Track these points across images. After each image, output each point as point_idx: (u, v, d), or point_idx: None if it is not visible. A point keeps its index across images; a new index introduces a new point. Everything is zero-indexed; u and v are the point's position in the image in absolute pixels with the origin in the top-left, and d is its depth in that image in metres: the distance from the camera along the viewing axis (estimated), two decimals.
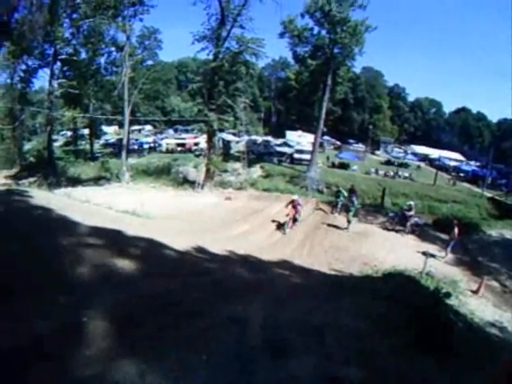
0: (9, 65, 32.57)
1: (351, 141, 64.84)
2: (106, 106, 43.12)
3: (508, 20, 74.27)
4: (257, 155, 38.58)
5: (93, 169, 35.07)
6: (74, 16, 31.77)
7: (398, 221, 20.45)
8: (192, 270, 7.26)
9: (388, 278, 9.69)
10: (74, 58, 33.50)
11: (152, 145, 47.57)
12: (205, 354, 3.26)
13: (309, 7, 29.50)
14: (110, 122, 51.52)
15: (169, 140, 49.59)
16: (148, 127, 66.35)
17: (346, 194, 21.87)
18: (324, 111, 32.53)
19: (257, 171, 33.24)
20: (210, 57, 27.93)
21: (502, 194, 33.22)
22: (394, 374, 3.76)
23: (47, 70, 32.88)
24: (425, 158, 56.15)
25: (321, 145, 42.41)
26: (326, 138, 55.33)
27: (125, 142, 33.76)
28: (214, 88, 27.45)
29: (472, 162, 54.94)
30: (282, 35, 31.39)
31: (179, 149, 44.49)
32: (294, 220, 18.11)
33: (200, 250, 9.49)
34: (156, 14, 47.72)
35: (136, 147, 45.28)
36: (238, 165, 32.77)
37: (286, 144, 45.32)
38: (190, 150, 43.01)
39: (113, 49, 37.38)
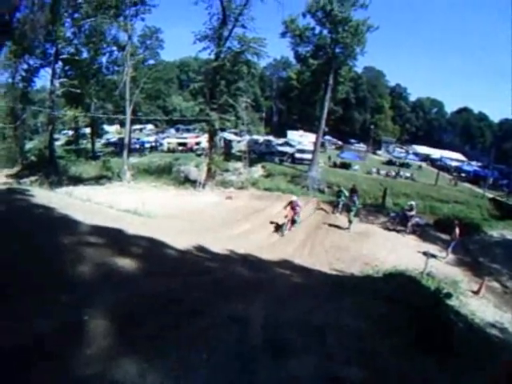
0: (10, 64, 32.58)
1: (353, 140, 64.73)
2: (107, 105, 43.10)
3: (508, 20, 74.06)
4: (258, 155, 38.58)
5: (94, 168, 35.08)
6: (76, 15, 31.82)
7: (399, 221, 20.43)
8: (193, 269, 7.26)
9: (389, 278, 9.68)
10: (76, 57, 33.50)
11: (153, 144, 47.56)
12: (205, 353, 3.26)
13: (310, 7, 29.51)
14: (111, 122, 51.47)
15: (170, 139, 49.53)
16: (149, 126, 66.34)
17: (347, 193, 21.85)
18: (325, 111, 32.55)
19: (258, 171, 33.25)
20: (212, 56, 27.97)
21: (504, 195, 33.15)
22: (395, 374, 3.76)
23: (49, 70, 33.00)
24: (426, 158, 56.03)
25: (322, 144, 42.44)
26: (327, 137, 55.28)
27: (126, 141, 33.83)
28: (216, 87, 27.48)
29: (473, 163, 54.84)
30: (283, 35, 31.43)
31: (180, 148, 44.45)
32: (293, 222, 17.73)
33: (201, 249, 9.50)
34: (158, 13, 47.93)
35: (137, 146, 45.33)
36: (239, 164, 32.80)
37: (287, 144, 45.28)
38: (191, 150, 43.00)
39: (114, 48, 37.48)
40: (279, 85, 79.34)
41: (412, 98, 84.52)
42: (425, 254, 15.67)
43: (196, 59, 66.85)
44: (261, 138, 47.78)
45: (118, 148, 41.40)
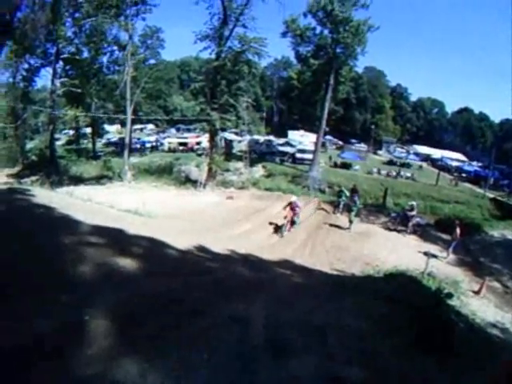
0: (11, 64, 32.71)
1: (353, 140, 64.75)
2: (108, 104, 43.08)
3: (508, 20, 73.99)
4: (259, 155, 38.57)
5: (95, 168, 35.09)
6: (77, 15, 31.90)
7: (400, 221, 20.43)
8: (193, 269, 7.26)
9: (390, 278, 9.67)
10: (77, 57, 33.59)
11: (154, 144, 47.57)
12: (206, 353, 3.26)
13: (311, 7, 29.52)
14: (112, 121, 51.57)
15: (171, 139, 49.54)
16: (150, 126, 66.32)
17: (347, 193, 21.84)
18: (326, 111, 32.55)
19: (259, 171, 33.25)
20: (213, 56, 28.01)
21: (504, 195, 33.12)
22: (396, 374, 3.75)
23: (49, 69, 33.12)
24: (427, 158, 56.01)
25: (323, 144, 42.43)
26: (328, 137, 55.26)
27: (127, 140, 33.88)
28: (217, 87, 27.50)
29: (474, 163, 54.85)
30: (284, 35, 31.47)
31: (181, 148, 44.47)
32: (292, 222, 17.54)
33: (201, 249, 9.49)
34: (158, 13, 47.68)
35: (138, 146, 45.32)
36: (240, 164, 32.82)
37: (288, 143, 45.28)
38: (192, 150, 43.02)
39: (115, 48, 37.56)
40: (280, 85, 79.30)
41: (413, 98, 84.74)
42: (425, 254, 15.65)
43: (197, 59, 66.82)
44: (261, 138, 47.84)
45: (119, 148, 41.41)
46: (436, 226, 22.08)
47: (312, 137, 43.93)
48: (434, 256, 15.88)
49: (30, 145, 41.07)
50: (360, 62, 47.54)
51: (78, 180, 30.01)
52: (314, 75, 34.31)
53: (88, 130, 47.35)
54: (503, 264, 16.42)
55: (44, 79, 37.93)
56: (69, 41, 32.82)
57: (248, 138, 40.18)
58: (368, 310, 5.60)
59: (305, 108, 54.64)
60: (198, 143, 43.18)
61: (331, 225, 19.66)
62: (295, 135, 53.03)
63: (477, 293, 12.79)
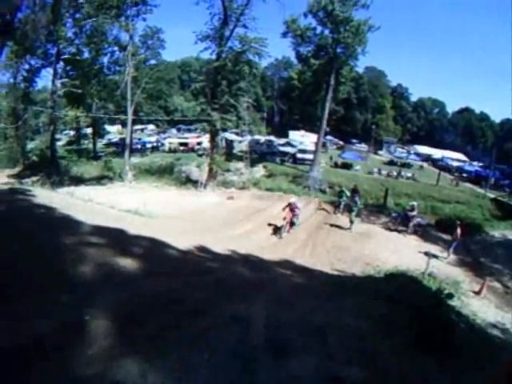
0: (12, 64, 32.73)
1: (354, 141, 64.70)
2: (108, 105, 43.12)
3: (508, 22, 74.13)
4: (259, 155, 38.51)
5: (95, 168, 35.11)
6: (77, 16, 31.84)
7: (401, 221, 20.42)
8: (194, 269, 7.27)
9: (390, 278, 9.67)
10: (77, 57, 33.55)
11: (155, 144, 47.54)
12: (207, 353, 3.27)
13: (312, 7, 29.50)
14: (112, 122, 51.54)
15: (172, 139, 49.51)
16: (151, 127, 66.33)
17: (348, 193, 21.83)
18: (327, 111, 32.50)
19: (259, 171, 33.24)
20: (213, 56, 28.03)
21: (505, 195, 33.03)
22: (396, 374, 3.76)
23: (50, 70, 33.05)
24: (428, 158, 55.94)
25: (324, 145, 42.41)
26: (328, 137, 55.20)
27: (128, 141, 33.86)
28: (217, 87, 27.50)
29: (475, 163, 54.72)
30: (284, 35, 31.44)
31: (182, 148, 44.45)
32: (292, 224, 17.34)
33: (202, 249, 9.50)
34: (159, 13, 47.87)
35: (139, 146, 45.27)
36: (240, 164, 32.80)
37: (288, 144, 45.26)
38: (192, 150, 43.01)
39: (116, 48, 37.46)
40: (280, 85, 79.29)
41: (413, 98, 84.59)
42: (426, 254, 15.64)
43: (197, 59, 66.92)
44: (262, 138, 47.79)
45: (120, 148, 41.37)
46: (437, 226, 22.05)
47: (313, 137, 43.89)
48: (435, 256, 15.87)
49: (30, 145, 41.05)
50: (360, 62, 47.62)
51: (78, 180, 30.03)
52: (314, 75, 34.29)
53: (89, 131, 47.39)
54: (504, 264, 16.39)
55: (45, 80, 38.00)
56: (69, 41, 32.82)
57: (249, 138, 40.15)
58: (368, 310, 5.60)
59: (305, 108, 54.58)
60: (199, 143, 43.17)
61: (332, 225, 19.65)
62: (296, 135, 53.03)
63: (477, 293, 12.78)
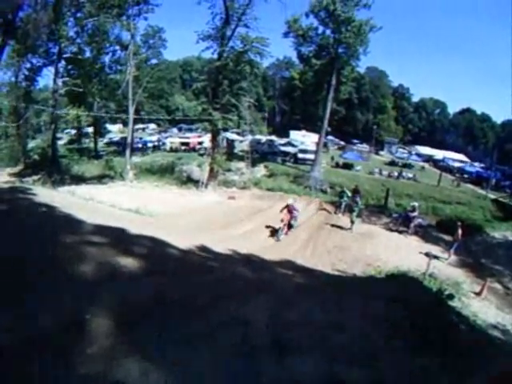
0: (13, 63, 32.75)
1: (355, 141, 64.77)
2: (110, 104, 43.21)
3: (508, 25, 74.21)
4: (261, 155, 38.59)
5: (97, 167, 35.17)
6: (79, 15, 31.98)
7: (402, 222, 20.44)
8: (195, 269, 7.25)
9: (391, 278, 9.67)
10: (79, 56, 33.67)
11: (156, 143, 47.67)
12: (208, 353, 3.26)
13: (313, 7, 29.59)
14: (114, 121, 51.71)
15: (173, 139, 49.64)
16: (152, 126, 66.44)
17: (349, 194, 21.86)
18: (328, 111, 32.57)
19: (260, 171, 33.31)
20: (215, 56, 28.13)
21: (506, 196, 33.03)
22: (396, 374, 3.75)
23: (52, 69, 33.19)
24: (429, 159, 56.00)
25: (325, 145, 42.44)
26: (329, 137, 55.27)
27: (129, 140, 33.94)
28: (219, 87, 27.54)
29: (476, 164, 54.78)
30: (286, 35, 31.57)
31: (183, 148, 44.58)
32: (290, 226, 17.18)
33: (203, 248, 9.49)
34: (160, 12, 47.67)
35: (140, 146, 45.39)
36: (241, 164, 32.86)
37: (289, 144, 45.32)
38: (193, 149, 43.11)
39: (117, 47, 37.76)
40: (282, 85, 79.38)
41: (415, 99, 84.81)
42: (427, 254, 15.65)
43: (199, 59, 67.08)
44: (263, 138, 47.87)
45: (121, 147, 41.50)
46: (438, 227, 22.08)
47: (314, 137, 43.91)
48: (436, 257, 15.88)
49: (31, 144, 41.03)
50: (362, 62, 47.77)
51: (79, 179, 30.07)
52: (315, 75, 34.37)
53: (90, 130, 47.44)
54: (505, 265, 16.41)
55: (46, 79, 37.94)
56: (71, 40, 32.88)
57: (250, 137, 40.16)
58: (369, 311, 5.59)
59: (307, 108, 54.69)
60: (200, 143, 43.25)
61: (333, 225, 19.69)
62: (297, 135, 53.14)
63: (478, 294, 12.79)
